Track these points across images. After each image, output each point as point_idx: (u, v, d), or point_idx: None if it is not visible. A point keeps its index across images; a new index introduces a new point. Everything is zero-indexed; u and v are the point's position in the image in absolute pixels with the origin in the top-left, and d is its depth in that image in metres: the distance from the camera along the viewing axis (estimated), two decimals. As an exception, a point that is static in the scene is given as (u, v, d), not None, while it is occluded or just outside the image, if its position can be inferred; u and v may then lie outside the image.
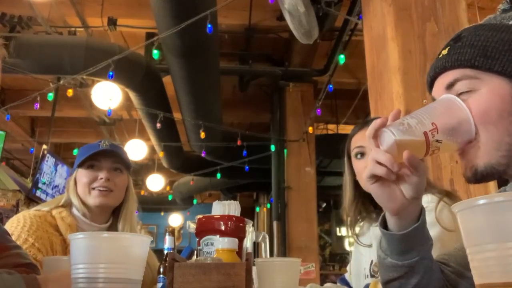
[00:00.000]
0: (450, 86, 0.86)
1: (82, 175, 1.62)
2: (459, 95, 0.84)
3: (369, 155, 0.81)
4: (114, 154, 1.64)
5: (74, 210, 1.62)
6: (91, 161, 1.62)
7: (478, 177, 0.81)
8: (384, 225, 0.87)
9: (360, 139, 1.44)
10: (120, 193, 1.66)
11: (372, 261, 1.43)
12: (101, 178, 1.60)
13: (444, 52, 0.89)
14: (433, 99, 0.92)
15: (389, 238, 0.84)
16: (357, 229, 1.51)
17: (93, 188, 1.60)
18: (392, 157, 0.76)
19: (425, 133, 0.75)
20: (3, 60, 1.08)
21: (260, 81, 6.26)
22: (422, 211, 0.84)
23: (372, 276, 1.40)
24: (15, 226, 1.47)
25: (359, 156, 1.43)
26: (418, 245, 0.83)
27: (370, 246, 1.46)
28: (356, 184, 1.46)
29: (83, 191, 1.61)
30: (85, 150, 1.65)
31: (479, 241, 0.50)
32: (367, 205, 1.48)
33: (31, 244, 1.42)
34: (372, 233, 1.44)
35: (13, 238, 1.36)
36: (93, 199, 1.60)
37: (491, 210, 0.49)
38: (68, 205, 1.63)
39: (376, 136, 0.80)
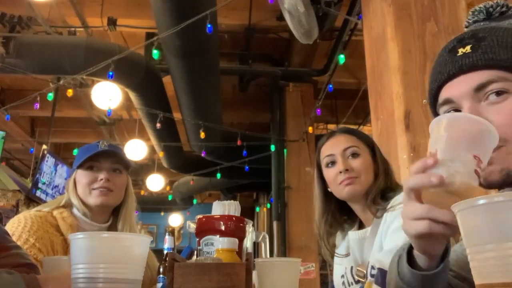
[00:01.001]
0: (481, 88, 0.80)
1: (82, 176, 1.62)
2: (488, 97, 0.79)
3: (421, 212, 0.68)
4: (113, 155, 1.65)
5: (75, 210, 1.62)
6: (90, 162, 1.63)
7: (510, 180, 0.78)
8: (408, 260, 0.80)
9: (329, 148, 1.47)
10: (120, 192, 1.67)
11: (352, 267, 1.43)
12: (101, 179, 1.60)
13: (465, 50, 0.82)
14: (446, 101, 0.85)
15: (419, 276, 0.78)
16: (331, 242, 1.52)
17: (94, 189, 1.61)
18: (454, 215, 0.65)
19: (476, 172, 0.68)
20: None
21: (260, 81, 6.26)
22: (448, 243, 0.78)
23: (357, 282, 1.40)
24: (16, 226, 1.47)
25: (330, 165, 1.45)
26: (444, 276, 0.79)
27: (347, 255, 1.47)
28: (326, 196, 1.48)
29: (83, 191, 1.62)
30: (84, 151, 1.66)
31: (479, 241, 0.50)
32: (338, 217, 1.50)
33: (32, 244, 1.42)
34: (351, 238, 1.46)
35: (14, 238, 1.37)
36: (93, 199, 1.61)
37: (491, 210, 0.49)
38: (68, 205, 1.63)
39: (418, 190, 0.69)
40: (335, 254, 1.51)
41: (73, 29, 4.96)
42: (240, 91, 6.34)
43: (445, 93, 0.85)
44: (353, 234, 1.45)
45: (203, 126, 5.12)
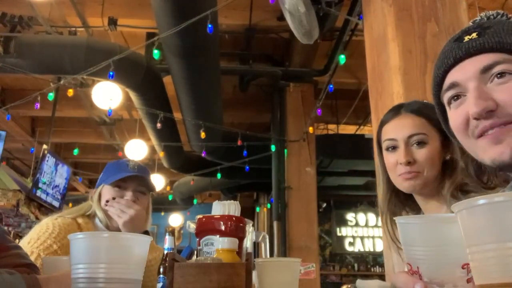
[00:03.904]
0: (487, 69, 0.81)
1: (109, 193, 1.66)
2: (493, 79, 0.81)
3: None
4: (140, 177, 1.69)
5: (97, 221, 1.65)
6: (118, 181, 1.67)
7: None
8: None
9: (393, 130, 1.30)
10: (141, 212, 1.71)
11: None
12: (126, 199, 1.65)
13: (471, 37, 0.84)
14: (451, 85, 0.85)
15: None
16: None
17: None
18: None
19: (468, 281, 0.60)
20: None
21: (261, 81, 6.26)
22: None
23: None
24: (44, 231, 1.49)
25: (390, 149, 1.29)
26: None
27: None
28: (389, 177, 1.33)
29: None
30: (114, 169, 1.70)
31: (479, 241, 0.50)
32: (402, 197, 1.35)
33: (54, 251, 1.44)
34: None
35: (39, 242, 1.43)
36: None
37: (491, 210, 0.49)
38: (92, 216, 1.67)
39: None
40: (397, 245, 1.34)
41: (73, 29, 4.97)
42: (240, 91, 6.34)
43: (450, 78, 0.86)
44: None
45: (204, 126, 5.12)
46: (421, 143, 1.25)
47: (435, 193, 1.27)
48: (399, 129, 1.28)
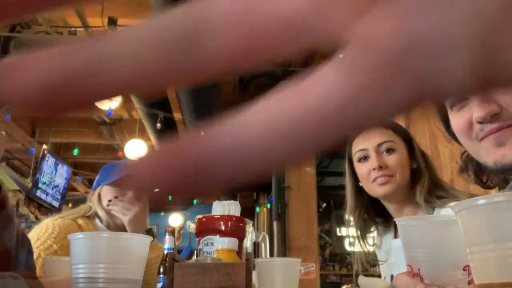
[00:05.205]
0: None
1: (110, 192, 1.67)
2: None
3: None
4: None
5: (98, 222, 1.66)
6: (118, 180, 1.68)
7: None
8: None
9: (362, 142, 1.38)
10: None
11: (384, 277, 1.35)
12: (130, 197, 1.66)
13: None
14: None
15: None
16: (370, 241, 1.45)
17: None
18: None
19: (469, 283, 0.60)
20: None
21: (261, 82, 6.26)
22: None
23: None
24: (44, 232, 1.51)
25: (362, 159, 1.36)
26: None
27: (384, 262, 1.39)
28: (358, 191, 1.41)
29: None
30: (112, 170, 1.72)
31: (479, 241, 0.50)
32: (371, 213, 1.42)
33: (54, 251, 1.45)
34: (394, 247, 1.35)
35: (39, 242, 1.44)
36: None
37: (491, 210, 0.49)
38: (92, 217, 1.68)
39: None
40: (379, 262, 1.43)
41: (73, 29, 4.97)
42: (240, 91, 6.34)
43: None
44: (394, 243, 1.35)
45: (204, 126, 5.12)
46: (390, 150, 1.34)
47: (408, 200, 1.32)
48: (368, 139, 1.37)
